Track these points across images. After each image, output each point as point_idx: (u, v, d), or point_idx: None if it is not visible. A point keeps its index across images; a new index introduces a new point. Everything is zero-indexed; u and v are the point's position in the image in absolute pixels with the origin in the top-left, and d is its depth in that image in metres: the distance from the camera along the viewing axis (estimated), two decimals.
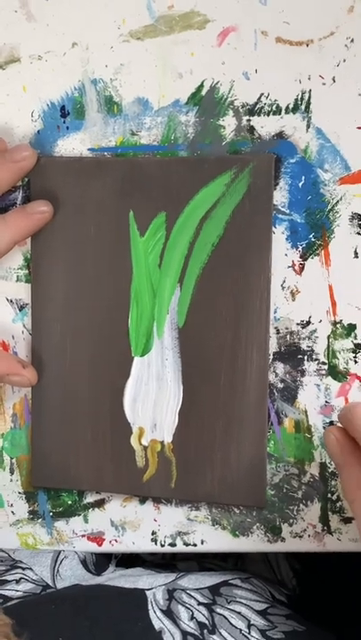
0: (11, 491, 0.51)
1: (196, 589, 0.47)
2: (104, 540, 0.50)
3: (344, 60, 0.44)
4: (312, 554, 0.48)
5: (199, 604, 0.46)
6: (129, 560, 0.56)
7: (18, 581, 0.48)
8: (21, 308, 0.50)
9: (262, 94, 0.45)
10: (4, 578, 0.47)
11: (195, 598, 0.46)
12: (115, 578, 0.48)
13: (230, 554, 0.60)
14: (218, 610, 0.45)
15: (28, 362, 0.49)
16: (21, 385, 0.48)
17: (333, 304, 0.45)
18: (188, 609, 0.45)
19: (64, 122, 0.48)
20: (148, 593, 0.46)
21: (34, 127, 0.48)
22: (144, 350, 0.48)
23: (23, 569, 0.49)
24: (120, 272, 0.47)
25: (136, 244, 0.47)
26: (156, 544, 0.50)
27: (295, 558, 0.59)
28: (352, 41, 0.44)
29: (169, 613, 0.44)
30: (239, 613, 0.45)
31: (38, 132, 0.48)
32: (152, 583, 0.47)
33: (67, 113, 0.48)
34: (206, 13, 0.46)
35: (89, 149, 0.48)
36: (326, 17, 0.44)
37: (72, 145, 0.48)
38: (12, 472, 0.51)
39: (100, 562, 0.53)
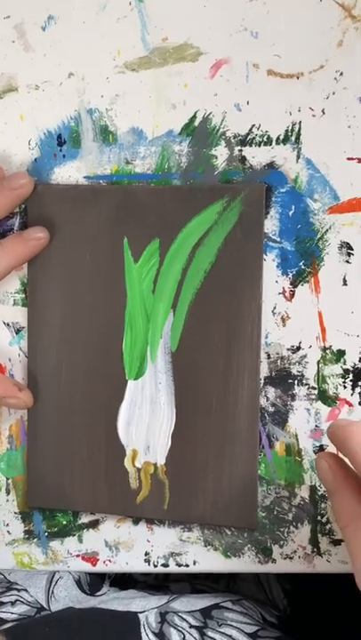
0: (7, 511, 0.52)
1: (188, 612, 0.48)
2: (98, 560, 0.51)
3: (333, 93, 0.45)
4: (302, 575, 0.49)
5: (191, 626, 0.46)
6: (122, 580, 0.57)
7: (13, 603, 0.48)
8: (18, 332, 0.51)
9: (254, 125, 0.46)
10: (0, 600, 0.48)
11: (186, 621, 0.47)
12: (108, 600, 0.49)
13: (222, 575, 0.61)
14: (209, 633, 0.46)
15: (24, 385, 0.50)
16: (17, 407, 0.49)
17: (323, 330, 0.46)
18: (180, 632, 0.46)
19: (60, 150, 0.49)
20: (140, 616, 0.46)
21: (31, 155, 0.49)
22: (138, 374, 0.49)
23: (18, 590, 0.50)
24: (114, 297, 0.48)
25: (130, 269, 0.48)
26: (149, 564, 0.50)
27: (286, 579, 0.59)
28: (341, 74, 0.45)
29: (161, 636, 0.45)
30: (230, 637, 0.46)
31: (35, 159, 0.49)
32: (145, 606, 0.48)
33: (63, 142, 0.49)
34: (199, 46, 0.47)
35: (85, 177, 0.49)
36: (316, 51, 0.45)
37: (68, 173, 0.49)
38: (7, 492, 0.52)
39: (94, 582, 0.54)
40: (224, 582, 0.60)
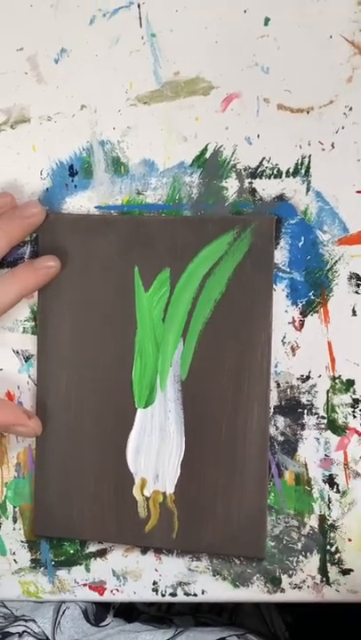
0: (13, 539, 0.52)
1: None
2: (105, 589, 0.51)
3: (343, 127, 0.46)
4: (304, 607, 0.49)
5: None
6: (127, 610, 0.56)
7: (21, 635, 0.48)
8: (27, 359, 0.51)
9: (264, 158, 0.47)
10: (7, 630, 0.48)
11: None
12: (114, 634, 0.49)
13: (225, 608, 0.61)
14: None
15: (33, 412, 0.50)
16: (26, 435, 0.49)
17: (333, 360, 0.47)
18: None
19: (72, 180, 0.50)
20: None
21: (43, 185, 0.50)
22: (147, 402, 0.49)
23: (26, 621, 0.49)
24: (125, 325, 0.49)
25: (140, 298, 0.49)
26: (157, 594, 0.50)
27: (287, 611, 0.59)
28: (351, 109, 0.46)
29: None
30: None
31: (47, 189, 0.50)
32: None
33: (75, 172, 0.49)
34: (211, 80, 0.48)
35: (96, 207, 0.49)
36: (326, 86, 0.46)
37: (80, 202, 0.50)
38: (14, 521, 0.52)
39: (99, 612, 0.53)
40: (227, 615, 0.60)
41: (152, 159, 0.49)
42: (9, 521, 0.52)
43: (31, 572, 0.52)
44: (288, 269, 0.47)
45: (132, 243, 0.49)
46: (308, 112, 0.47)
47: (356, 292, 0.47)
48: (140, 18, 0.48)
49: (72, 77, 0.49)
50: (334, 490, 0.47)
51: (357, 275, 0.46)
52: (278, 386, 0.48)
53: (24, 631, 0.48)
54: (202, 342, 0.48)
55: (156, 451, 0.49)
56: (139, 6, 0.48)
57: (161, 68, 0.48)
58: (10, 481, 0.51)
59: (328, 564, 0.48)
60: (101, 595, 0.51)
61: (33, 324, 0.51)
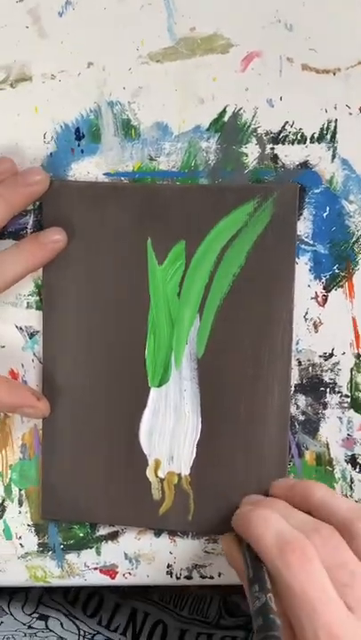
0: (19, 523, 0.50)
1: None
2: (117, 572, 0.49)
3: None
4: None
5: None
6: None
7: None
8: (31, 336, 0.48)
9: (287, 122, 0.44)
10: None
11: None
12: None
13: None
14: None
15: (40, 393, 0.47)
16: (34, 416, 0.47)
17: (357, 336, 0.45)
18: None
19: (78, 145, 0.46)
20: None
21: (46, 149, 0.47)
22: (161, 381, 0.47)
23: None
24: (137, 300, 0.46)
25: (154, 272, 0.46)
26: (171, 577, 0.49)
27: None
28: None
29: None
30: None
31: (51, 154, 0.46)
32: None
33: (82, 136, 0.46)
34: (230, 37, 0.44)
35: (105, 174, 0.46)
36: (354, 46, 0.44)
37: (87, 169, 0.46)
38: (20, 504, 0.50)
39: None
40: None
41: (166, 122, 0.45)
42: (14, 504, 0.50)
43: (38, 556, 0.50)
44: (311, 242, 0.45)
45: (145, 213, 0.46)
46: (334, 73, 0.44)
47: None
48: None
49: (77, 32, 0.46)
50: (357, 470, 0.46)
51: None
52: (300, 364, 0.46)
53: None
54: (219, 318, 0.46)
55: (170, 431, 0.47)
56: None
57: (175, 23, 0.45)
58: (15, 463, 0.49)
59: None
60: (113, 578, 0.49)
61: (37, 298, 0.48)
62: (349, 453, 0.46)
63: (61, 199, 0.46)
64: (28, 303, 0.48)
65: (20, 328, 0.48)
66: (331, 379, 0.46)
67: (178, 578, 0.49)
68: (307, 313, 0.45)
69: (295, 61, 0.44)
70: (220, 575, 0.48)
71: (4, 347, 0.48)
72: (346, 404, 0.46)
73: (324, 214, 0.45)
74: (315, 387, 0.46)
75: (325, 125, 0.44)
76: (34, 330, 0.48)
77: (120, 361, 0.47)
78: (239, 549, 0.42)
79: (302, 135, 0.44)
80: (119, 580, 0.49)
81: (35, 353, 0.48)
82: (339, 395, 0.46)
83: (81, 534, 0.49)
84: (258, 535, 0.39)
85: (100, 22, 0.45)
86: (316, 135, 0.44)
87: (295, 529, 0.38)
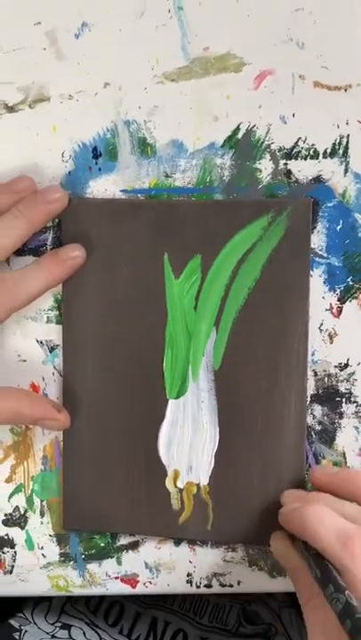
0: (41, 533, 0.51)
1: None
2: (138, 581, 0.50)
3: None
4: None
5: None
6: None
7: None
8: (52, 350, 0.49)
9: (300, 138, 0.45)
10: None
11: None
12: None
13: None
14: None
15: (61, 406, 0.48)
16: (55, 429, 0.48)
17: None
18: None
19: (96, 163, 0.47)
20: None
21: (64, 168, 0.48)
22: (179, 393, 0.48)
23: None
24: (154, 314, 0.47)
25: (171, 286, 0.47)
26: (191, 585, 0.50)
27: None
28: None
29: None
30: None
31: (69, 172, 0.48)
32: None
33: (99, 154, 0.47)
34: (242, 56, 0.45)
35: (122, 191, 0.47)
36: None
37: (104, 186, 0.47)
38: (42, 515, 0.50)
39: None
40: None
41: (181, 140, 0.46)
42: (36, 515, 0.51)
43: (60, 566, 0.51)
44: (325, 254, 0.46)
45: (161, 228, 0.47)
46: (345, 90, 0.45)
47: None
48: None
49: (94, 53, 0.47)
50: None
51: None
52: (315, 374, 0.47)
53: None
54: (235, 331, 0.46)
55: (188, 442, 0.48)
56: None
57: (189, 43, 0.46)
58: (36, 474, 0.50)
59: None
60: (134, 587, 0.50)
61: (57, 313, 0.49)
62: None
63: (80, 216, 0.47)
64: (48, 318, 0.49)
65: (41, 342, 0.49)
66: (346, 389, 0.46)
67: (198, 586, 0.49)
68: (322, 324, 0.46)
69: (307, 79, 0.45)
70: (239, 583, 0.49)
71: (25, 360, 0.49)
72: None
73: (338, 227, 0.45)
74: (331, 397, 0.47)
75: (337, 141, 0.45)
76: (54, 344, 0.49)
77: (138, 373, 0.48)
78: (293, 548, 0.42)
79: (315, 151, 0.45)
80: (140, 589, 0.50)
81: (55, 366, 0.49)
82: (355, 404, 0.46)
83: (102, 544, 0.50)
84: (316, 532, 0.39)
85: (116, 43, 0.46)
86: (328, 150, 0.45)
87: (352, 521, 0.39)
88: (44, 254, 0.47)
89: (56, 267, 0.46)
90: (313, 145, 0.45)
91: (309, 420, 0.47)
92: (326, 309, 0.46)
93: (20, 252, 0.48)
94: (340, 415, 0.47)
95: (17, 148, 0.48)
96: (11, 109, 0.48)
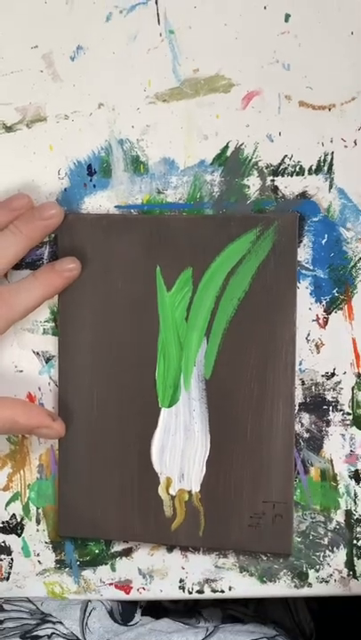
0: (37, 540, 0.52)
1: None
2: (132, 588, 0.51)
3: None
4: (331, 601, 0.50)
5: None
6: (153, 608, 0.57)
7: (50, 637, 0.48)
8: (48, 361, 0.51)
9: (286, 156, 0.47)
10: (35, 633, 0.48)
11: None
12: (145, 633, 0.49)
13: (251, 599, 0.61)
14: None
15: (56, 414, 0.49)
16: (50, 437, 0.49)
17: (357, 356, 0.47)
18: None
19: (91, 180, 0.49)
20: None
21: (61, 185, 0.49)
22: (171, 402, 0.49)
23: (54, 623, 0.50)
24: (147, 325, 0.49)
25: (163, 298, 0.48)
26: (183, 591, 0.50)
27: (313, 600, 0.60)
28: None
29: None
30: None
31: (65, 189, 0.49)
32: None
33: (93, 172, 0.49)
34: (231, 77, 0.47)
35: (116, 207, 0.49)
36: (348, 83, 0.46)
37: (99, 202, 0.49)
38: (38, 522, 0.52)
39: (126, 612, 0.54)
40: (253, 606, 0.61)
41: (172, 158, 0.48)
42: (32, 522, 0.52)
43: (56, 572, 0.52)
44: (312, 267, 0.47)
45: (154, 242, 0.48)
46: (329, 109, 0.46)
47: None
48: (158, 14, 0.48)
49: (89, 75, 0.49)
50: (360, 485, 0.48)
51: None
52: (303, 383, 0.48)
53: (53, 633, 0.49)
54: (226, 341, 0.48)
55: (180, 450, 0.49)
56: (156, 2, 0.48)
57: (180, 65, 0.48)
58: (33, 482, 0.51)
59: (355, 558, 0.48)
60: (128, 594, 0.51)
61: (53, 324, 0.50)
62: (353, 469, 0.48)
63: (75, 231, 0.49)
64: (44, 329, 0.50)
65: (37, 353, 0.51)
66: (333, 397, 0.48)
67: (190, 592, 0.50)
68: (309, 334, 0.48)
69: (293, 98, 0.47)
70: (230, 589, 0.50)
71: (21, 371, 0.51)
72: (348, 422, 0.48)
73: (323, 241, 0.47)
74: (318, 405, 0.48)
75: (322, 158, 0.47)
76: (50, 355, 0.50)
77: (132, 383, 0.49)
78: None
79: (301, 167, 0.47)
80: (134, 595, 0.51)
81: (51, 377, 0.51)
82: (341, 412, 0.48)
83: (96, 551, 0.51)
84: None
85: (110, 65, 0.48)
86: (313, 167, 0.47)
87: None
88: (41, 267, 0.49)
89: (52, 279, 0.48)
90: (299, 162, 0.47)
91: (298, 427, 0.48)
92: (313, 320, 0.48)
93: (17, 266, 0.49)
94: (328, 423, 0.48)
95: (14, 167, 0.50)
96: (9, 129, 0.49)
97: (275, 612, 0.60)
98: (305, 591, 0.49)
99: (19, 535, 0.52)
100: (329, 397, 0.48)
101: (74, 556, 0.51)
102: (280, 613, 0.60)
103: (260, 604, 0.61)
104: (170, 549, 0.50)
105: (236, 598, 0.58)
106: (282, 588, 0.49)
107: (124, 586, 0.51)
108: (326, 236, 0.47)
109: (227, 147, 0.48)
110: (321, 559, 0.49)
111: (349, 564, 0.48)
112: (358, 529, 0.48)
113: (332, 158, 0.47)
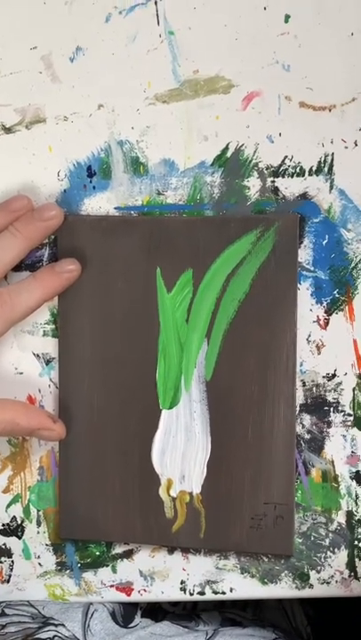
0: (38, 543, 0.52)
1: None
2: (133, 589, 0.51)
3: None
4: (326, 601, 0.50)
5: None
6: (153, 611, 0.57)
7: (52, 639, 0.48)
8: (48, 363, 0.50)
9: (286, 157, 0.47)
10: (37, 636, 0.48)
11: None
12: (146, 637, 0.49)
13: (248, 603, 0.61)
14: None
15: (56, 416, 0.49)
16: (51, 439, 0.49)
17: (358, 357, 0.47)
18: None
19: (90, 181, 0.49)
20: None
21: (60, 186, 0.49)
22: (172, 403, 0.49)
23: (55, 625, 0.49)
24: (147, 327, 0.49)
25: (163, 299, 0.48)
26: (185, 593, 0.50)
27: (309, 605, 0.60)
28: None
29: None
30: None
31: (65, 191, 0.49)
32: None
33: (93, 173, 0.49)
34: (231, 78, 0.47)
35: (115, 208, 0.49)
36: (348, 83, 0.46)
37: (99, 204, 0.49)
38: (38, 524, 0.52)
39: (127, 614, 0.53)
40: (251, 610, 0.61)
41: (172, 159, 0.48)
42: (33, 525, 0.52)
43: (57, 574, 0.52)
44: (312, 268, 0.47)
45: (154, 244, 0.48)
46: (330, 110, 0.46)
47: None
48: (158, 15, 0.47)
49: (88, 76, 0.49)
50: None
51: None
52: (304, 384, 0.48)
53: (55, 636, 0.48)
54: (226, 342, 0.48)
55: (181, 451, 0.49)
56: (156, 3, 0.47)
57: (180, 66, 0.48)
58: (33, 485, 0.51)
59: (356, 560, 0.48)
60: (129, 595, 0.51)
61: (53, 326, 0.50)
62: (354, 470, 0.48)
63: (75, 232, 0.49)
64: (44, 331, 0.50)
65: (37, 355, 0.51)
66: (334, 398, 0.48)
67: (191, 594, 0.50)
68: (309, 336, 0.48)
69: (293, 99, 0.47)
70: (231, 590, 0.50)
71: (22, 373, 0.51)
72: (349, 423, 0.48)
73: (324, 242, 0.47)
74: (319, 406, 0.48)
75: (323, 159, 0.47)
76: (50, 357, 0.50)
77: (132, 385, 0.49)
78: None
79: (301, 168, 0.47)
80: (135, 597, 0.51)
81: (51, 379, 0.51)
82: (342, 413, 0.48)
83: (97, 553, 0.51)
84: None
85: (109, 66, 0.48)
86: (314, 168, 0.47)
87: None
88: (40, 269, 0.48)
89: (52, 280, 0.48)
90: (299, 163, 0.47)
91: (299, 428, 0.48)
92: (314, 321, 0.47)
93: (17, 268, 0.49)
94: (329, 424, 0.48)
95: (14, 168, 0.49)
96: (8, 130, 0.49)
97: (272, 616, 0.60)
98: (306, 592, 0.49)
99: (19, 537, 0.52)
100: (330, 398, 0.48)
101: (75, 558, 0.51)
102: (278, 618, 0.60)
103: (257, 607, 0.61)
104: (171, 551, 0.50)
105: (234, 602, 0.58)
106: (283, 589, 0.49)
107: (125, 588, 0.51)
108: (327, 236, 0.47)
109: (227, 148, 0.47)
110: (322, 560, 0.49)
111: (351, 566, 0.48)
112: (359, 530, 0.48)
113: (332, 159, 0.47)
